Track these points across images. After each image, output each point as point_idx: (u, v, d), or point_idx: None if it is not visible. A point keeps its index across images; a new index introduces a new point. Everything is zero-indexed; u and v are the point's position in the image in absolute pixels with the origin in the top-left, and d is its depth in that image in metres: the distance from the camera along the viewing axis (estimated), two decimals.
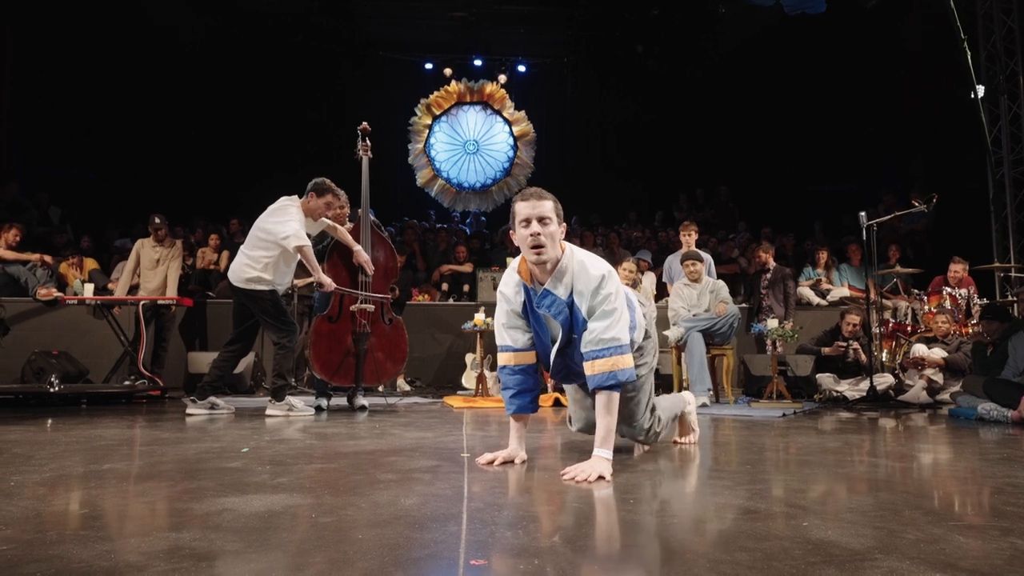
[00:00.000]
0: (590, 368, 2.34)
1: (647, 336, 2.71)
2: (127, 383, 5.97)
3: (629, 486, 2.14)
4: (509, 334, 2.55)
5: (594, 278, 2.35)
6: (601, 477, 2.20)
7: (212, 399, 4.56)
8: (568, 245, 2.45)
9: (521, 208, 2.39)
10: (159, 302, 6.25)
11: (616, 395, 2.35)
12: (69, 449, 2.88)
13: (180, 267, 6.69)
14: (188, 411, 4.49)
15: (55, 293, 6.57)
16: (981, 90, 8.04)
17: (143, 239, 6.63)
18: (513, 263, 2.53)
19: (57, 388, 5.23)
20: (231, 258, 8.04)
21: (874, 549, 1.45)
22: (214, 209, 9.83)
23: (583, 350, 2.36)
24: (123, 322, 6.23)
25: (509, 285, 2.53)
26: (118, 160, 10.41)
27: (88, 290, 6.39)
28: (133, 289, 6.53)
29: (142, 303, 6.09)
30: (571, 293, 2.39)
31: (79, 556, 1.37)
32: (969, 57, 7.80)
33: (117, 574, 1.27)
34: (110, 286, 7.11)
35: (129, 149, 10.40)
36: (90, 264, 7.56)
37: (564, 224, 2.44)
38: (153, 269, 6.49)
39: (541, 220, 2.34)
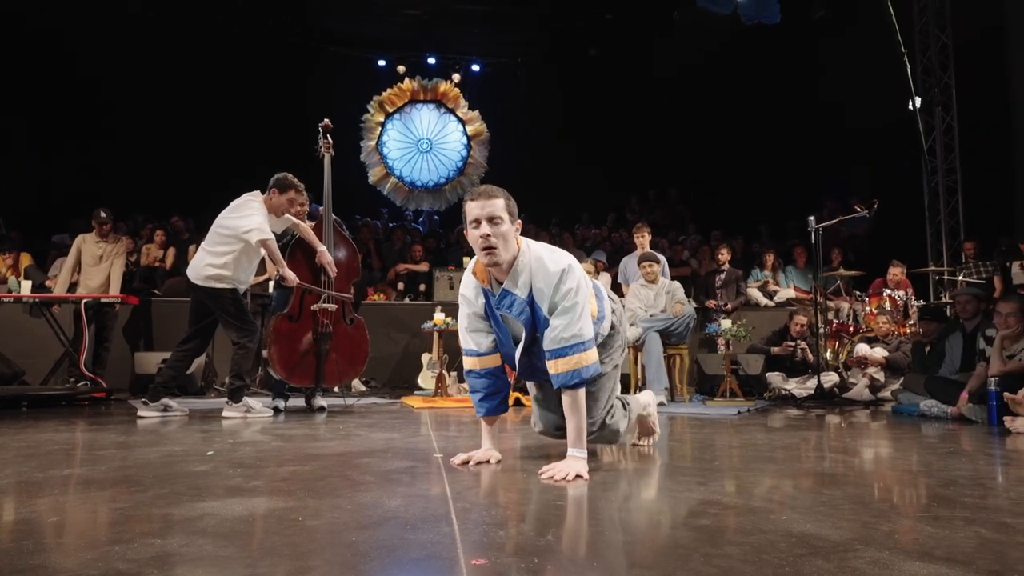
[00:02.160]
0: (553, 367, 2.28)
1: (614, 331, 2.62)
2: (68, 385, 5.69)
3: (606, 484, 2.17)
4: (472, 338, 2.51)
5: (553, 274, 2.27)
6: (579, 476, 2.21)
7: (165, 400, 4.42)
8: (525, 241, 2.37)
9: (471, 208, 2.29)
10: (102, 300, 5.97)
11: (582, 392, 2.32)
12: (21, 455, 2.76)
13: (124, 264, 6.43)
14: (140, 413, 4.34)
15: None
16: (918, 101, 8.45)
17: (84, 234, 6.33)
18: (470, 264, 2.47)
19: None
20: (177, 255, 7.84)
21: (854, 540, 1.51)
22: (157, 205, 9.49)
23: (545, 348, 2.31)
24: (62, 321, 5.94)
25: (468, 287, 2.48)
26: (56, 153, 9.93)
27: (26, 287, 6.08)
28: (72, 287, 6.24)
29: (84, 301, 5.83)
30: (531, 291, 2.31)
31: (64, 565, 1.32)
32: (908, 70, 8.18)
33: None
34: (48, 283, 6.78)
35: (71, 142, 9.93)
36: (26, 260, 7.20)
37: (519, 220, 2.36)
38: (96, 266, 6.21)
39: (491, 220, 2.25)
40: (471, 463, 2.48)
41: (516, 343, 2.45)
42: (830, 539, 1.52)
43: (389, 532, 1.56)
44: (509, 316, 2.38)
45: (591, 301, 2.43)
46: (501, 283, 2.36)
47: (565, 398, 2.33)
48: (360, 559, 1.36)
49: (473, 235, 2.29)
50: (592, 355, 2.30)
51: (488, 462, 2.51)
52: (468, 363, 2.54)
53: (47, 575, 1.27)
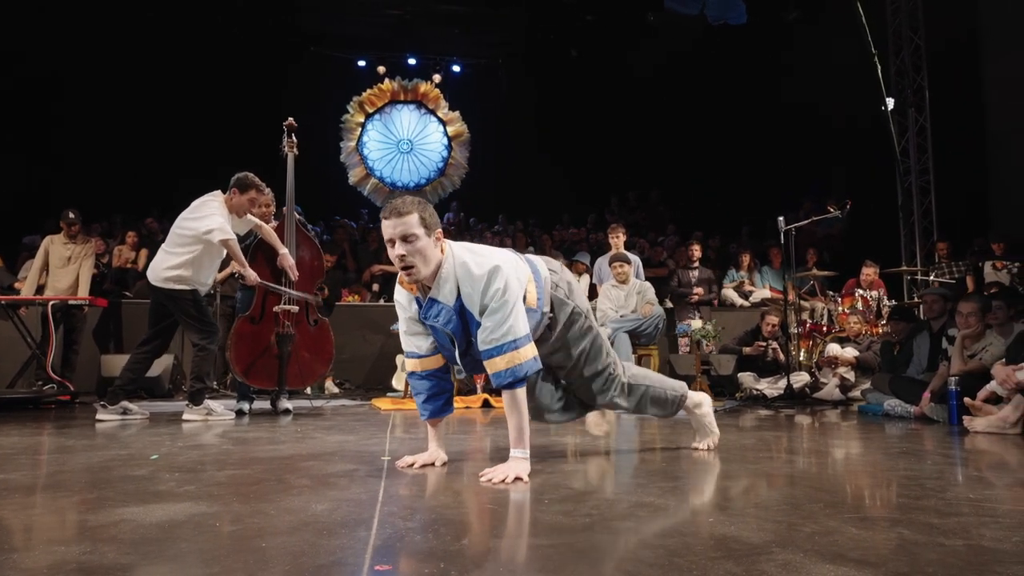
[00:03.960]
0: (490, 367, 2.25)
1: (564, 306, 2.50)
2: (34, 388, 5.63)
3: (546, 487, 2.15)
4: (412, 341, 2.49)
5: (479, 278, 2.23)
6: (519, 478, 2.19)
7: (124, 404, 4.36)
8: (449, 246, 2.31)
9: (384, 227, 2.23)
10: (70, 302, 5.90)
11: (520, 391, 2.28)
12: None
13: (93, 265, 6.35)
14: (98, 417, 4.27)
15: None
16: (891, 103, 8.51)
17: (52, 235, 6.25)
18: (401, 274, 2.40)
19: None
20: (150, 256, 7.76)
21: (771, 543, 1.51)
22: (133, 206, 9.41)
23: (480, 348, 2.27)
24: (30, 323, 5.86)
25: (400, 294, 2.44)
26: (27, 152, 9.82)
27: None
28: (40, 289, 6.16)
29: (51, 303, 5.75)
30: (459, 297, 2.28)
31: None
32: (880, 71, 8.23)
33: None
34: (16, 285, 6.71)
35: (41, 141, 9.83)
36: None
37: (439, 230, 2.28)
38: (64, 267, 6.13)
39: (405, 239, 2.19)
40: (416, 465, 2.46)
41: (453, 346, 2.42)
42: (748, 541, 1.52)
43: (302, 538, 1.54)
44: (438, 326, 2.34)
45: (529, 288, 2.38)
46: (428, 292, 2.33)
47: (504, 397, 2.31)
48: (261, 566, 1.34)
49: (391, 253, 2.25)
50: (526, 352, 2.24)
51: (433, 464, 2.48)
52: (410, 365, 2.52)
53: None
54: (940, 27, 8.79)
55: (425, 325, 2.43)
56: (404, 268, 2.24)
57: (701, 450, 2.89)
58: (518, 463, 2.26)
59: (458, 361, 2.44)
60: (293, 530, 1.60)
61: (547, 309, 2.46)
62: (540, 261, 2.56)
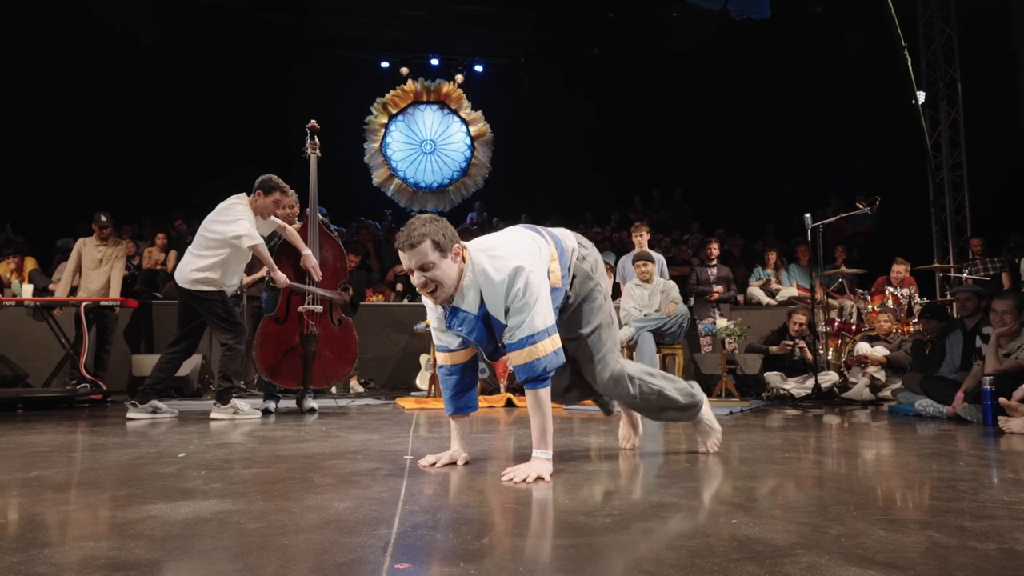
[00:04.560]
0: (512, 361, 2.26)
1: (590, 280, 2.51)
2: (68, 387, 5.77)
3: (568, 487, 2.14)
4: (443, 336, 2.49)
5: (499, 284, 2.22)
6: (540, 478, 2.19)
7: (154, 403, 4.45)
8: (469, 255, 2.29)
9: (401, 258, 2.26)
10: (102, 303, 6.03)
11: (543, 392, 2.28)
12: None
13: (124, 267, 6.48)
14: (129, 415, 4.37)
15: None
16: (922, 96, 8.32)
17: (84, 238, 6.41)
18: None
19: None
20: (179, 258, 7.90)
21: (796, 545, 1.47)
22: (161, 208, 9.59)
23: (504, 342, 2.30)
24: (64, 324, 6.01)
25: (427, 300, 2.41)
26: (61, 157, 10.07)
27: (27, 291, 6.16)
28: (74, 290, 6.31)
29: (84, 304, 5.88)
30: (482, 304, 2.29)
31: None
32: (910, 64, 8.07)
33: None
34: (51, 287, 6.87)
35: (73, 146, 10.07)
36: (30, 264, 7.31)
37: (456, 245, 2.25)
38: (96, 269, 6.28)
39: (423, 268, 2.20)
40: (438, 465, 2.46)
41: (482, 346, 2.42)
42: (772, 543, 1.49)
43: (325, 535, 1.55)
44: (462, 335, 2.35)
45: (553, 267, 2.38)
46: (451, 302, 2.33)
47: (528, 397, 2.31)
48: (282, 563, 1.35)
49: (412, 280, 2.27)
50: (545, 346, 2.23)
51: (455, 463, 2.49)
52: (440, 359, 2.53)
53: None
54: (973, 18, 8.58)
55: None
56: (427, 294, 2.26)
57: (706, 452, 2.81)
58: (540, 463, 2.26)
59: (485, 359, 2.45)
60: (316, 528, 1.61)
61: (569, 284, 2.46)
62: (569, 235, 2.54)
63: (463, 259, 2.28)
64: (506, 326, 2.28)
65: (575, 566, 1.36)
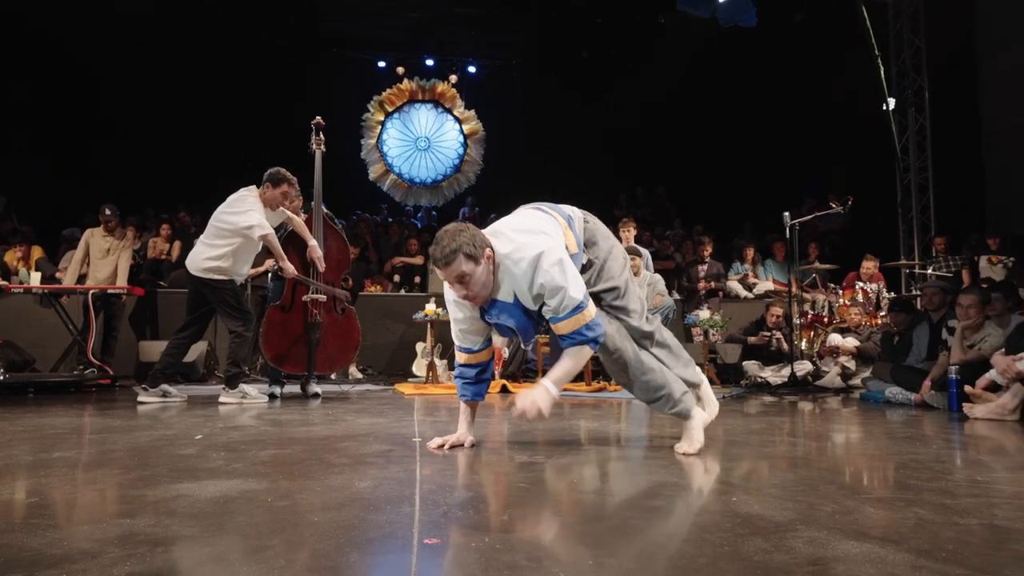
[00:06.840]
0: (558, 330, 2.31)
1: (599, 246, 2.55)
2: (76, 372, 5.87)
3: (571, 467, 2.25)
4: (467, 338, 2.58)
5: (522, 277, 2.29)
6: (540, 413, 2.23)
7: (164, 387, 4.56)
8: (497, 250, 2.33)
9: (438, 274, 2.34)
10: (109, 291, 6.16)
11: (587, 349, 2.32)
12: (17, 438, 2.80)
13: (131, 257, 6.64)
14: (139, 399, 4.44)
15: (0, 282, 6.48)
16: (892, 103, 8.69)
17: (92, 228, 6.53)
18: None
19: (3, 377, 5.11)
20: (183, 248, 8.08)
21: (795, 521, 1.55)
22: (163, 199, 9.76)
23: (547, 318, 2.36)
24: (71, 311, 6.13)
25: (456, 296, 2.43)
26: (69, 150, 10.19)
27: (35, 278, 6.28)
28: (82, 279, 6.44)
29: (92, 292, 5.99)
30: (514, 293, 2.37)
31: (28, 545, 1.34)
32: (882, 72, 8.43)
33: (69, 561, 1.23)
34: (58, 275, 7.02)
35: (83, 140, 10.20)
36: (37, 253, 7.45)
37: (487, 249, 2.29)
38: (103, 258, 6.41)
39: (460, 280, 2.28)
40: (446, 446, 2.55)
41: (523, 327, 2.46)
42: (773, 519, 1.56)
43: (351, 513, 1.59)
44: (501, 322, 2.43)
45: (567, 236, 2.45)
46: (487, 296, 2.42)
47: (573, 347, 2.33)
48: (317, 538, 1.39)
49: (454, 290, 2.37)
50: (588, 314, 2.29)
51: (462, 445, 2.57)
52: (460, 358, 2.62)
53: (8, 555, 1.28)
54: (940, 30, 8.95)
55: (488, 324, 2.53)
56: (470, 299, 2.35)
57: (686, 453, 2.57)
58: (543, 392, 2.28)
59: (525, 344, 2.58)
60: (341, 506, 1.66)
61: (584, 246, 2.55)
62: (573, 208, 2.64)
63: (492, 260, 2.34)
64: (536, 310, 2.36)
65: (595, 540, 1.43)
